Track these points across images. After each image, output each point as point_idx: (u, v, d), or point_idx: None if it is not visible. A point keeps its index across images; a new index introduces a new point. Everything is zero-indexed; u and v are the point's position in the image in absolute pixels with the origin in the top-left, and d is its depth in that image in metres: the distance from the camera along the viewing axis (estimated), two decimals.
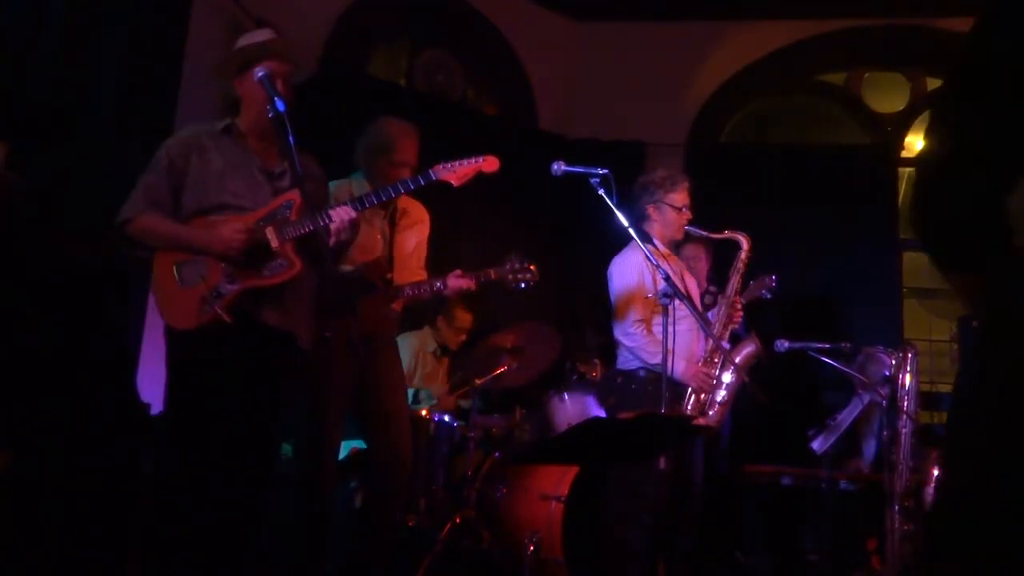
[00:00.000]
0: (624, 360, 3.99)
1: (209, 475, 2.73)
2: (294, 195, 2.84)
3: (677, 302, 3.31)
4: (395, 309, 3.56)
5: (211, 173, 2.87)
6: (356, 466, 3.95)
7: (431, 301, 3.63)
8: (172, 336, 2.81)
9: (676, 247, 4.19)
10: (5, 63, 3.75)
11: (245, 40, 2.98)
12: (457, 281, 3.48)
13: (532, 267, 3.54)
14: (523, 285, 3.53)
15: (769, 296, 4.23)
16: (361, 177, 3.57)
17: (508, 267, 3.52)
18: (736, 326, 4.05)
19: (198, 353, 2.76)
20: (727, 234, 4.04)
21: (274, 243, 2.78)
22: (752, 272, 4.16)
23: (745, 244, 3.99)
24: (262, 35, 3.00)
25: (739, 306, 4.01)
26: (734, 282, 4.01)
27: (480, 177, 3.21)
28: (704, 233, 4.06)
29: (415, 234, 3.68)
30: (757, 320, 4.33)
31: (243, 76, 2.91)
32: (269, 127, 2.86)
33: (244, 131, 2.96)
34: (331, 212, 2.85)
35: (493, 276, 3.51)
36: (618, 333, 3.94)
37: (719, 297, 4.08)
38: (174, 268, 2.79)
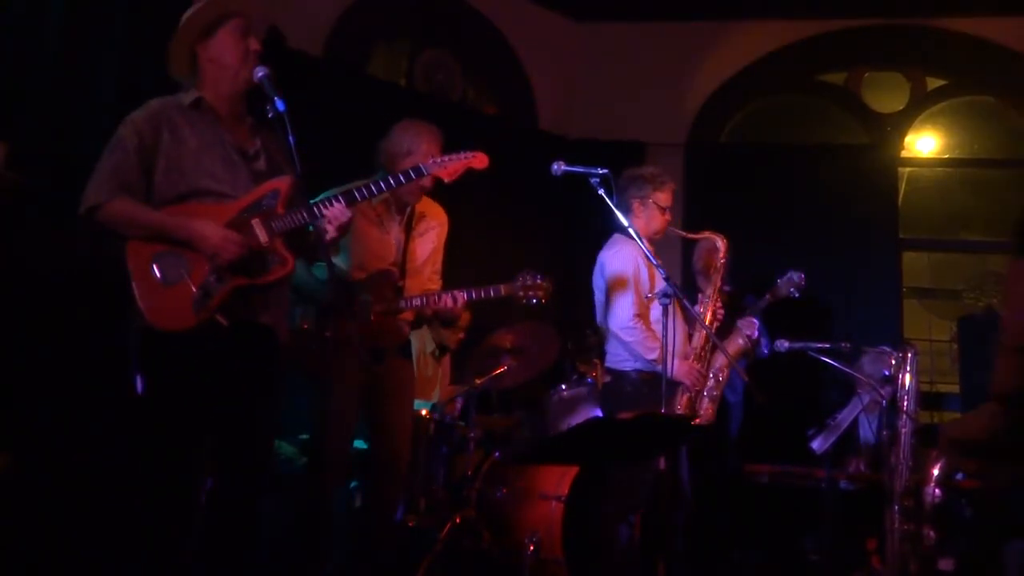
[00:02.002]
0: (615, 359, 3.98)
1: (199, 482, 2.69)
2: (279, 183, 2.69)
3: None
4: (405, 318, 3.53)
5: (186, 154, 2.64)
6: (356, 466, 3.95)
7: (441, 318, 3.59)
8: (149, 337, 2.58)
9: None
10: (5, 63, 3.75)
11: (196, 6, 2.76)
12: (464, 300, 3.46)
13: (546, 283, 3.50)
14: (535, 301, 3.50)
15: (797, 295, 4.23)
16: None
17: (519, 283, 3.49)
18: (719, 323, 4.07)
19: (181, 354, 2.56)
20: (706, 234, 4.09)
21: (263, 239, 2.62)
22: (746, 270, 4.17)
23: (721, 245, 4.04)
24: None
25: (720, 304, 4.05)
26: (714, 281, 4.05)
27: (480, 177, 3.22)
28: (683, 234, 4.11)
29: (431, 240, 3.64)
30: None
31: (211, 38, 2.72)
32: (239, 100, 2.75)
33: (214, 105, 2.73)
34: (325, 209, 2.72)
35: (503, 292, 3.48)
36: (615, 327, 3.92)
37: (700, 295, 4.11)
38: (152, 261, 2.56)
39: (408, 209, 3.56)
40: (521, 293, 3.48)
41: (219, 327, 2.58)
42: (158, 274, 2.56)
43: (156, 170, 2.64)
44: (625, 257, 3.92)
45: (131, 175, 2.62)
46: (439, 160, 3.16)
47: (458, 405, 4.54)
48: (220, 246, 2.56)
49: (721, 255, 4.06)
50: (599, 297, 4.04)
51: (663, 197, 3.98)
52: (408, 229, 3.57)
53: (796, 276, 4.23)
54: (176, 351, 2.57)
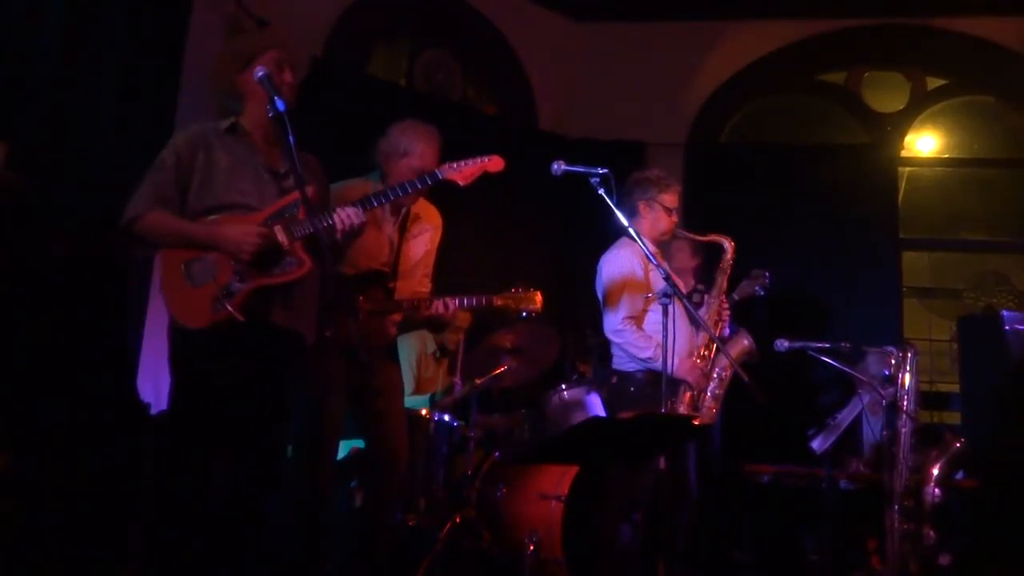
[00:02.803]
0: (619, 360, 4.01)
1: (214, 476, 2.73)
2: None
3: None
4: (392, 320, 3.53)
5: (218, 172, 2.85)
6: (356, 466, 3.95)
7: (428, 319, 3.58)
8: (179, 336, 2.78)
9: (663, 246, 4.22)
10: (5, 63, 3.75)
11: (243, 35, 2.99)
12: (455, 308, 3.45)
13: (537, 297, 3.50)
14: (524, 315, 3.50)
15: (763, 293, 4.24)
16: (377, 178, 3.52)
17: (512, 294, 3.49)
18: (724, 323, 4.09)
19: (206, 353, 2.74)
20: (712, 237, 4.11)
21: (284, 241, 2.78)
22: (744, 270, 4.17)
23: (729, 247, 4.06)
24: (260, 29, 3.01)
25: (726, 305, 4.08)
26: (720, 282, 4.09)
27: (480, 176, 3.21)
28: (691, 235, 4.12)
29: (425, 241, 3.62)
30: (757, 319, 4.35)
31: (247, 71, 2.89)
32: (273, 125, 2.86)
33: (249, 129, 2.94)
34: (338, 212, 2.84)
35: (496, 303, 3.47)
36: (607, 329, 3.97)
37: (705, 296, 4.11)
38: (182, 266, 2.77)
39: (404, 210, 3.55)
40: (513, 304, 3.48)
41: (239, 326, 2.71)
42: (187, 277, 2.78)
43: (191, 186, 2.84)
44: (620, 261, 3.95)
45: (167, 191, 2.84)
46: (454, 165, 3.18)
47: (456, 391, 4.51)
48: (242, 239, 2.74)
49: (728, 257, 4.08)
50: (600, 300, 4.06)
51: (669, 199, 4.03)
52: (402, 230, 3.56)
53: (762, 275, 4.23)
54: (203, 350, 2.74)
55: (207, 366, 2.74)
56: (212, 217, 2.82)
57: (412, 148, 3.44)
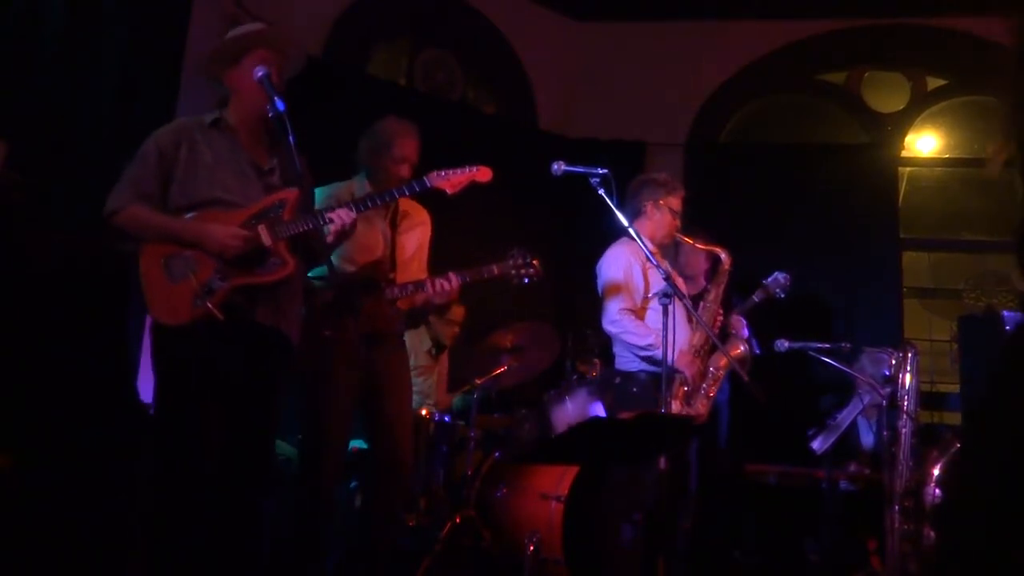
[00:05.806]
0: (622, 360, 4.02)
1: (205, 475, 2.72)
2: (287, 194, 2.81)
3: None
4: (399, 308, 3.55)
5: (201, 167, 2.82)
6: (356, 466, 3.95)
7: (436, 304, 3.59)
8: (160, 333, 2.75)
9: (673, 245, 4.23)
10: (5, 63, 3.75)
11: (237, 31, 2.95)
12: (458, 282, 3.47)
13: (535, 262, 3.52)
14: (526, 280, 3.51)
15: (783, 295, 4.26)
16: (363, 178, 3.56)
17: (511, 262, 3.51)
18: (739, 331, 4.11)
19: (187, 351, 2.70)
20: (711, 247, 4.15)
21: (267, 242, 2.75)
22: (745, 272, 4.18)
23: (726, 259, 4.06)
24: (255, 26, 3.00)
25: (720, 313, 4.12)
26: (715, 292, 4.11)
27: (469, 186, 3.24)
28: (690, 242, 4.13)
29: (416, 236, 3.66)
30: (757, 320, 4.35)
31: (235, 67, 2.87)
32: (259, 122, 2.85)
33: (234, 125, 2.91)
34: (331, 214, 2.84)
35: (496, 272, 3.50)
36: (605, 323, 3.99)
37: (701, 303, 4.12)
38: (162, 262, 2.74)
39: (392, 206, 3.59)
40: (513, 272, 3.50)
41: (220, 324, 2.68)
42: (167, 273, 2.72)
43: (173, 181, 2.81)
44: (621, 258, 3.97)
45: (148, 185, 2.81)
46: (442, 173, 3.20)
47: (452, 400, 4.53)
48: (226, 241, 2.71)
49: (725, 268, 4.10)
50: (600, 296, 4.08)
51: (674, 202, 4.07)
52: (393, 225, 3.59)
53: (782, 277, 4.25)
54: (183, 347, 2.70)
55: (188, 364, 2.70)
56: (194, 213, 2.78)
57: (390, 140, 3.48)
